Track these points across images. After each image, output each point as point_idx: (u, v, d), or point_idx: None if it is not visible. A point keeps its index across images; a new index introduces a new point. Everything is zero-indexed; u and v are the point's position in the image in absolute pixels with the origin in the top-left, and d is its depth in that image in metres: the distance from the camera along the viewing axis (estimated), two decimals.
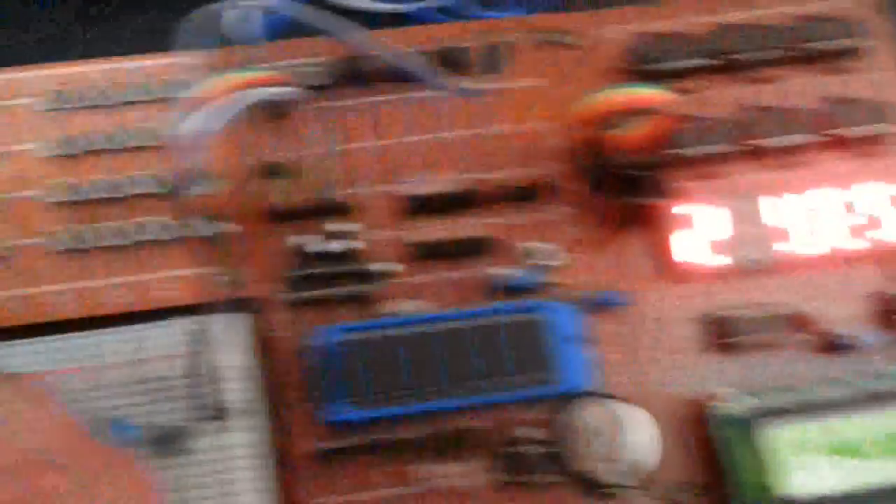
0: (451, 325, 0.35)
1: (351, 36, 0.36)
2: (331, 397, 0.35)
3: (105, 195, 0.38)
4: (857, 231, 0.39)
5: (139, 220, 0.38)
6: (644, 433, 0.35)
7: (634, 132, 0.37)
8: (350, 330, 0.35)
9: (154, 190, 0.38)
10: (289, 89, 0.36)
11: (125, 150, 0.38)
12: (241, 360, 0.35)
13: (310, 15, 0.36)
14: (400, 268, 0.38)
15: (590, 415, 0.35)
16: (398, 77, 0.38)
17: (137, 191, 0.38)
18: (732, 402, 0.35)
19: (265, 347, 0.36)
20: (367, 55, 0.38)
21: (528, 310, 0.36)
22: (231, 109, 0.34)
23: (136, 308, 0.37)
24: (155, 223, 0.38)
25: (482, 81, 0.40)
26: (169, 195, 0.37)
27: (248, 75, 0.35)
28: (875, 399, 0.35)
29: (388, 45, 0.38)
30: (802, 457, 0.34)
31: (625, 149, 0.37)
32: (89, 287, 0.37)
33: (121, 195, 0.38)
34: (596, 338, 0.38)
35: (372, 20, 0.42)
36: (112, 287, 0.37)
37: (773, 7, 0.43)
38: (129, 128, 0.39)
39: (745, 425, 0.34)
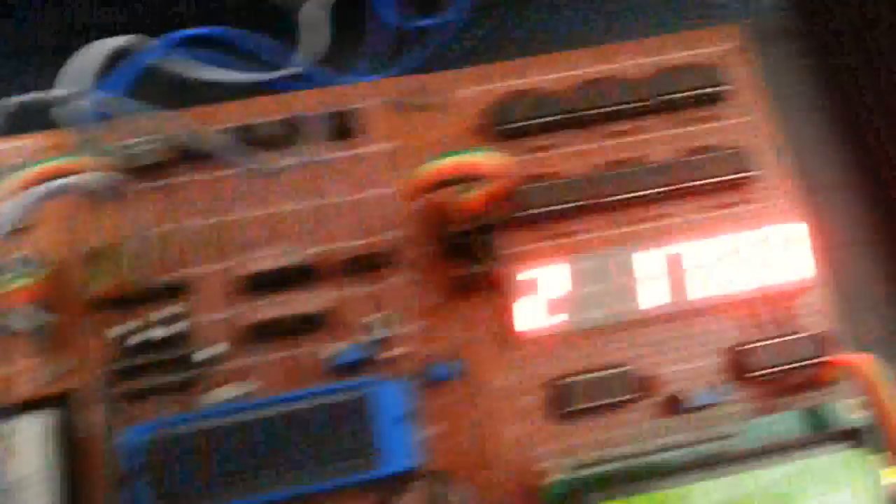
0: (271, 411, 0.34)
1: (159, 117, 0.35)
2: (138, 502, 0.33)
3: None
4: (711, 283, 0.37)
5: None
6: None
7: (472, 198, 0.36)
8: (161, 426, 0.33)
9: None
10: (99, 175, 0.35)
11: None
12: (45, 464, 0.34)
13: (119, 104, 0.35)
14: (224, 350, 0.36)
15: (413, 498, 0.34)
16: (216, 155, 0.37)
17: None
18: (562, 475, 0.34)
19: (75, 449, 0.35)
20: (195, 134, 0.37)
21: (354, 389, 0.35)
22: (31, 200, 0.34)
23: None
24: None
25: (332, 149, 0.39)
26: None
27: (50, 165, 0.34)
28: (714, 463, 0.34)
29: (192, 125, 0.37)
30: None
31: (464, 215, 0.36)
32: None
33: None
34: (430, 413, 0.36)
35: (227, 90, 0.41)
36: None
37: (634, 59, 0.41)
38: None
39: (572, 500, 0.33)
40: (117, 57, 0.35)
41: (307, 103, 0.40)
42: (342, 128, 0.39)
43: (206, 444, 0.33)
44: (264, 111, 0.40)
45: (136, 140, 0.38)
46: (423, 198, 0.35)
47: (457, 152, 0.34)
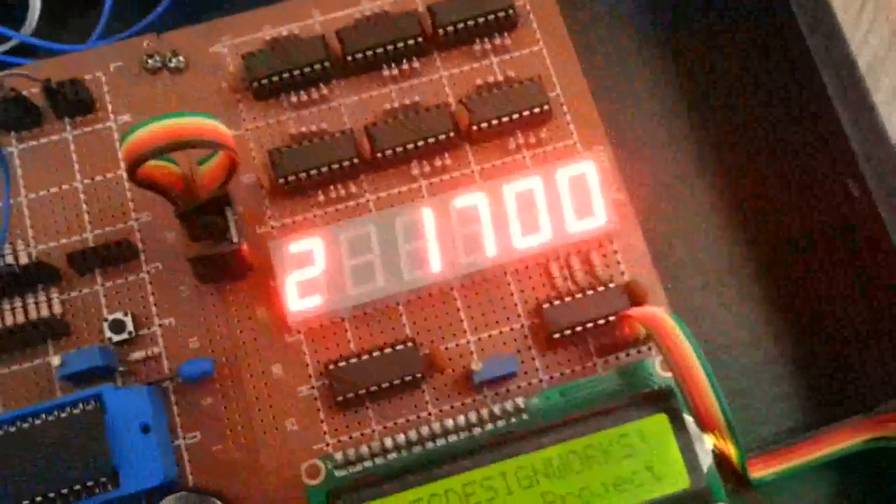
0: None
1: None
2: None
3: None
4: (510, 238, 0.32)
5: None
6: None
7: (207, 170, 0.31)
8: None
9: None
10: None
11: None
12: None
13: None
14: None
15: None
16: None
17: None
18: (322, 476, 0.29)
19: None
20: None
21: (87, 400, 0.30)
22: None
23: None
24: None
25: (62, 129, 0.34)
26: None
27: None
28: (506, 442, 0.29)
29: None
30: None
31: (200, 189, 0.31)
32: None
33: None
34: (186, 418, 0.31)
35: None
36: None
37: None
38: None
39: (329, 500, 0.29)
40: None
41: (32, 77, 0.34)
42: (71, 103, 0.34)
43: None
44: None
45: None
46: (135, 171, 0.29)
47: (160, 117, 0.28)
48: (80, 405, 0.30)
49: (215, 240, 0.31)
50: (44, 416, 0.30)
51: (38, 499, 0.29)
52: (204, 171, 0.31)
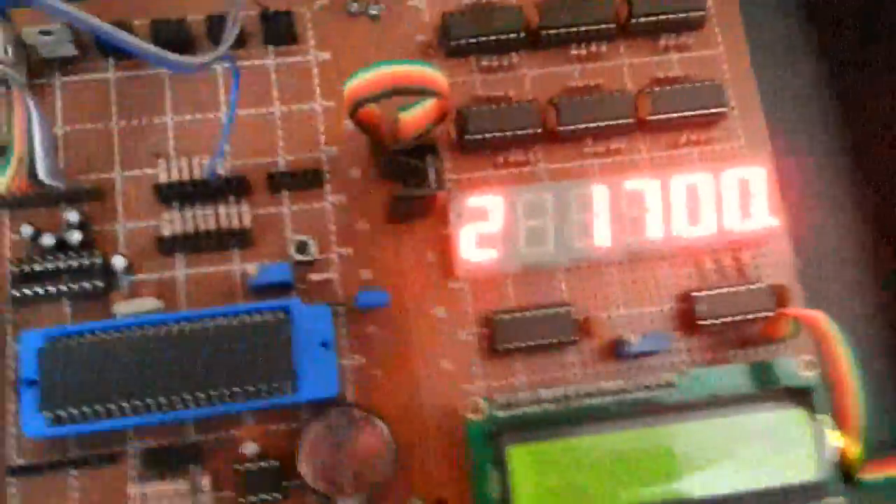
0: (180, 327, 0.32)
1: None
2: (31, 410, 0.31)
3: None
4: (668, 225, 0.35)
5: None
6: (376, 445, 0.32)
7: (409, 116, 0.33)
8: (58, 335, 0.31)
9: None
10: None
11: None
12: None
13: None
14: (138, 261, 0.34)
15: (327, 426, 0.32)
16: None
17: None
18: (489, 412, 0.32)
19: None
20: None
21: (275, 311, 0.32)
22: None
23: None
24: None
25: (265, 55, 0.36)
26: None
27: None
28: (648, 412, 0.32)
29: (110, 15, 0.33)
30: (540, 477, 0.31)
31: (400, 134, 0.33)
32: None
33: None
34: (356, 342, 0.34)
35: None
36: None
37: None
38: None
39: (489, 439, 0.31)
40: None
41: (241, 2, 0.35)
42: (278, 32, 0.36)
43: (104, 356, 0.31)
44: (195, 5, 0.36)
45: (48, 29, 0.34)
46: (356, 110, 0.31)
47: (389, 62, 0.31)
48: (271, 314, 0.32)
49: (412, 184, 0.33)
50: (234, 318, 0.32)
51: (220, 392, 0.31)
52: (406, 117, 0.33)
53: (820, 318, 0.31)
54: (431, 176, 0.33)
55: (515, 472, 0.31)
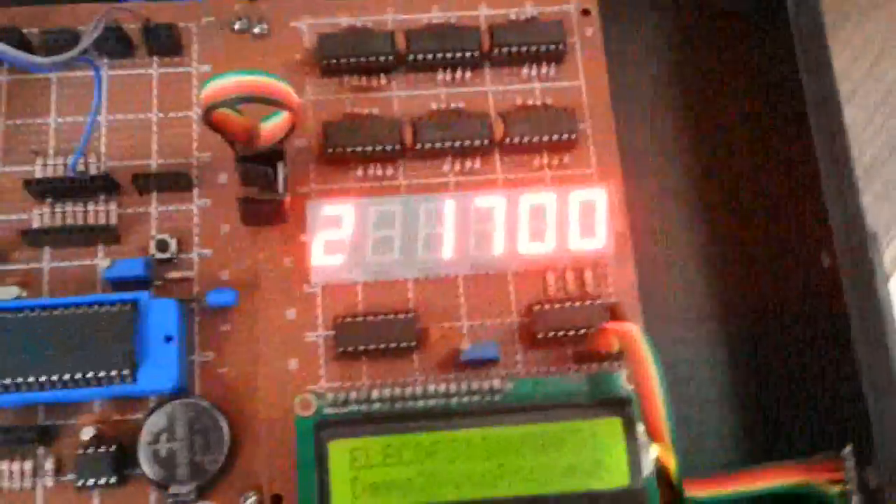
0: (34, 313, 0.33)
1: None
2: None
3: None
4: (516, 242, 0.36)
5: None
6: (214, 436, 0.33)
7: (268, 125, 0.35)
8: None
9: None
10: None
11: None
12: None
13: None
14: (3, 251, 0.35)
15: (169, 415, 0.34)
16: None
17: None
18: (312, 410, 0.33)
19: None
20: None
21: (122, 302, 0.34)
22: None
23: None
24: None
25: (149, 64, 0.39)
26: None
27: None
28: (475, 413, 0.33)
29: None
30: (358, 472, 0.32)
31: (261, 141, 0.35)
32: None
33: None
34: (204, 339, 0.35)
35: None
36: None
37: (475, 9, 0.40)
38: None
39: (313, 432, 0.32)
40: None
41: (130, 14, 0.38)
42: (163, 43, 0.38)
43: None
44: (81, 17, 0.38)
45: None
46: (211, 112, 0.33)
47: (242, 72, 0.33)
48: (118, 305, 0.34)
49: (263, 188, 0.36)
50: (85, 307, 0.34)
51: (63, 377, 0.33)
52: (265, 126, 0.35)
53: (630, 329, 0.32)
54: (278, 182, 0.35)
55: (334, 468, 0.32)
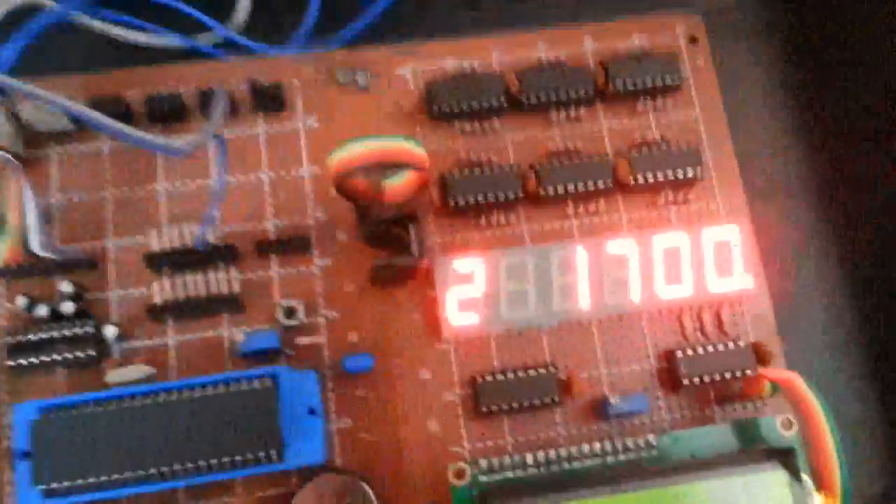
0: (169, 397, 0.32)
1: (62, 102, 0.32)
2: (26, 483, 0.31)
3: None
4: (648, 285, 0.36)
5: None
6: None
7: (392, 186, 0.33)
8: (51, 407, 0.32)
9: None
10: None
11: None
12: None
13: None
14: (130, 329, 0.34)
15: (316, 491, 0.33)
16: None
17: None
18: (474, 477, 0.32)
19: None
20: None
21: (262, 378, 0.33)
22: None
23: None
24: None
25: (255, 124, 0.37)
26: None
27: None
28: (633, 476, 0.32)
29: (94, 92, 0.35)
30: None
31: (384, 203, 0.34)
32: None
33: None
34: (342, 407, 0.35)
35: (154, 55, 0.40)
36: None
37: (586, 44, 0.39)
38: None
39: (476, 503, 0.32)
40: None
41: (231, 73, 0.38)
42: (268, 101, 0.37)
43: (99, 425, 0.31)
44: (184, 78, 0.38)
45: (42, 105, 0.35)
46: (342, 182, 0.33)
47: (375, 137, 0.32)
48: (257, 381, 0.33)
49: (396, 251, 0.35)
50: (222, 386, 0.33)
51: (208, 462, 0.32)
52: (390, 185, 0.34)
53: (793, 379, 0.32)
54: (413, 245, 0.34)
55: None
